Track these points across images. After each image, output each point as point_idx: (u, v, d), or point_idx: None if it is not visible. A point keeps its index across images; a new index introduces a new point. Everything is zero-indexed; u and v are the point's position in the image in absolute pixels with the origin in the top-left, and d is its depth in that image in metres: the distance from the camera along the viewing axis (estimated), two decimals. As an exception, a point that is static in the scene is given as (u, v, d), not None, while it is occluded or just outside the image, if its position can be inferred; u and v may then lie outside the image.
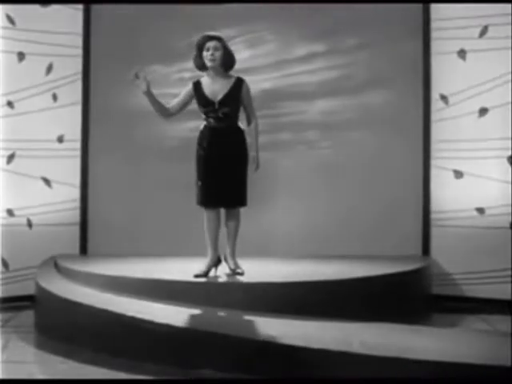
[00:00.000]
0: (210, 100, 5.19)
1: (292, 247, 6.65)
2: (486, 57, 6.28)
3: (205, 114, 5.23)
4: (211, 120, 5.22)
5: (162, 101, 5.27)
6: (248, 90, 5.25)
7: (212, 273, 5.32)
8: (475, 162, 6.34)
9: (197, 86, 5.25)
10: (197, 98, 5.23)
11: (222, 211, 5.34)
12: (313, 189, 6.70)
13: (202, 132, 5.28)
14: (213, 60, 5.15)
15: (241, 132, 5.27)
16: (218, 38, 5.18)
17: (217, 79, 5.22)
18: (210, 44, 5.15)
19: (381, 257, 6.33)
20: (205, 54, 5.17)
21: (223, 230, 5.36)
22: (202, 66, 5.25)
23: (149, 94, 5.16)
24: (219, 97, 5.19)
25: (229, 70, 5.25)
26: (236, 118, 5.25)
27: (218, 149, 5.21)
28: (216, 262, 5.36)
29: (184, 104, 5.30)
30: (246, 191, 5.27)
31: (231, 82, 5.23)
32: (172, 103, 5.31)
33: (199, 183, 5.25)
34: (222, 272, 5.35)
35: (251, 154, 5.25)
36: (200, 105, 5.23)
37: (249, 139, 5.29)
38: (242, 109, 5.29)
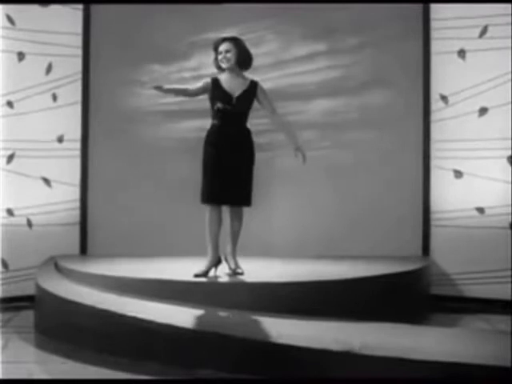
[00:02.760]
0: (229, 94, 5.24)
1: (292, 247, 6.64)
2: (486, 57, 6.28)
3: (217, 110, 5.25)
4: (221, 117, 5.24)
5: (178, 86, 5.47)
6: (263, 90, 5.35)
7: (212, 273, 5.32)
8: (475, 162, 6.34)
9: (215, 82, 5.29)
10: (215, 93, 5.26)
11: (225, 212, 5.34)
12: (313, 189, 6.70)
13: (209, 131, 5.31)
14: (226, 62, 5.26)
15: (248, 133, 5.33)
16: (231, 39, 5.28)
17: (234, 77, 5.30)
18: (222, 47, 5.26)
19: (381, 257, 6.33)
20: (219, 57, 5.27)
21: (224, 230, 5.36)
22: (220, 68, 5.34)
23: (167, 90, 5.31)
24: (237, 93, 5.25)
25: (246, 68, 5.34)
26: (246, 118, 5.31)
27: (226, 148, 5.24)
28: (216, 262, 5.36)
29: (200, 91, 5.33)
30: (251, 191, 5.31)
31: (247, 82, 5.32)
32: (191, 86, 5.39)
33: (206, 181, 5.26)
34: (222, 272, 5.35)
35: (294, 147, 5.34)
36: (216, 99, 5.25)
37: (282, 132, 5.43)
38: (262, 109, 5.38)
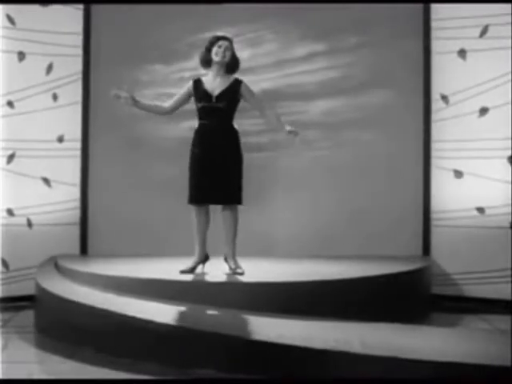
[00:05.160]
0: (209, 94, 5.26)
1: (292, 247, 6.65)
2: (486, 57, 6.28)
3: (201, 109, 5.28)
4: (206, 117, 5.27)
5: (153, 102, 5.47)
6: (248, 88, 5.33)
7: (199, 269, 5.39)
8: (475, 162, 6.34)
9: (197, 82, 5.35)
10: (196, 93, 5.32)
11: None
12: (313, 189, 6.70)
13: (196, 131, 5.35)
14: (223, 57, 5.28)
15: (234, 132, 5.33)
16: (230, 39, 5.32)
17: (217, 77, 5.32)
18: (224, 42, 5.29)
19: (381, 257, 6.33)
20: (215, 49, 5.28)
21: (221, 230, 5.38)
22: (207, 62, 5.34)
23: (136, 104, 5.36)
24: (217, 91, 5.27)
25: (231, 72, 5.34)
26: (231, 117, 5.31)
27: (210, 148, 5.27)
28: (203, 259, 5.43)
29: (182, 101, 5.41)
30: (239, 189, 5.30)
31: (230, 81, 5.32)
32: (170, 100, 5.44)
33: (193, 182, 5.30)
34: (222, 272, 5.36)
35: (286, 129, 5.25)
36: (198, 99, 5.30)
37: (273, 125, 5.38)
38: (250, 107, 5.37)
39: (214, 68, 5.31)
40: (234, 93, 5.28)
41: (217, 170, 5.24)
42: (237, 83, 5.31)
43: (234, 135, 5.31)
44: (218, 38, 5.30)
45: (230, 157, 5.28)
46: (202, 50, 5.35)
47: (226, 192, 5.27)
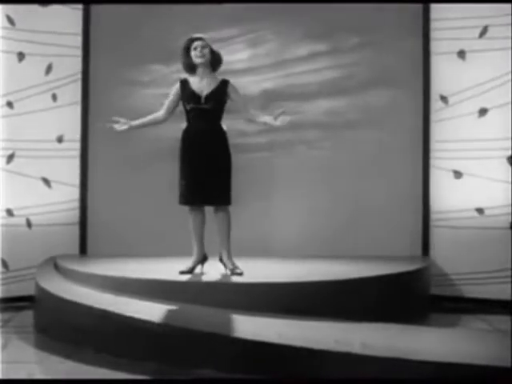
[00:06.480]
0: (197, 94, 5.26)
1: (291, 247, 6.64)
2: (486, 57, 6.28)
3: (189, 111, 5.29)
4: (194, 118, 5.28)
5: (146, 118, 5.48)
6: (234, 88, 5.34)
7: (198, 270, 5.39)
8: (475, 162, 6.34)
9: (184, 83, 5.35)
10: (183, 94, 5.32)
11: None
12: (313, 189, 6.70)
13: (184, 132, 5.36)
14: (202, 56, 5.27)
15: (223, 132, 5.33)
16: (203, 38, 5.31)
17: (204, 78, 5.32)
18: (197, 43, 5.29)
19: (381, 257, 6.33)
20: (193, 53, 5.29)
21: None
22: (190, 67, 5.34)
23: (133, 127, 5.46)
24: (206, 92, 5.27)
25: (216, 68, 5.35)
26: (219, 118, 5.32)
27: (198, 148, 5.27)
28: (202, 260, 5.43)
29: (174, 104, 5.41)
30: (228, 190, 5.30)
31: (217, 81, 5.32)
32: (163, 107, 5.44)
33: (182, 182, 5.31)
34: (221, 272, 5.36)
35: (274, 118, 5.22)
36: (186, 100, 5.30)
37: (260, 119, 5.35)
38: (235, 106, 5.35)
39: (200, 70, 5.32)
40: (222, 94, 5.29)
41: (206, 171, 5.24)
42: (224, 84, 5.32)
43: (222, 136, 5.31)
44: (192, 40, 5.30)
45: (219, 158, 5.28)
46: (180, 56, 5.35)
47: (215, 193, 5.27)
